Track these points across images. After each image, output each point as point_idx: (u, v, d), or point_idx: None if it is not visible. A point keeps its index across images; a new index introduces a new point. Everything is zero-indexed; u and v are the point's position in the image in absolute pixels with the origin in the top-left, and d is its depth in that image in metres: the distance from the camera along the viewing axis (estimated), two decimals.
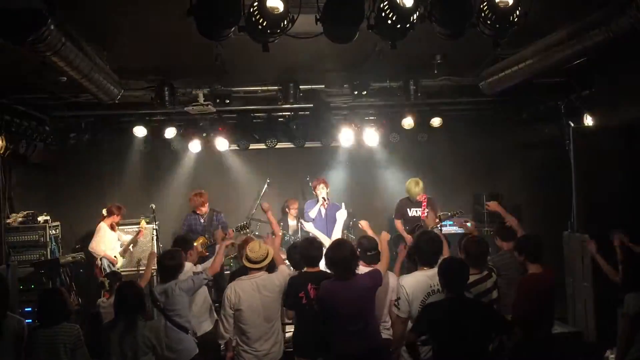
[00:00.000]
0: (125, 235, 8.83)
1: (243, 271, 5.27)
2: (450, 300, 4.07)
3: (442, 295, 4.47)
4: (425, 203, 8.32)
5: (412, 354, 4.22)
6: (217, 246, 6.10)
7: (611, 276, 5.33)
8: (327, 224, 8.35)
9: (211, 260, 5.73)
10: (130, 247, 8.61)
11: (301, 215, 9.13)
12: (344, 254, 4.59)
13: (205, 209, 8.50)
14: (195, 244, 6.64)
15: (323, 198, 8.59)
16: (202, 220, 8.43)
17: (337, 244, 4.78)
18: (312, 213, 8.68)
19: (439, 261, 4.49)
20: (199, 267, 5.81)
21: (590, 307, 6.78)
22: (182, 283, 5.14)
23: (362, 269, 4.87)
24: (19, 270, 7.32)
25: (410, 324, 4.50)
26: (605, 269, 5.50)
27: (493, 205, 6.46)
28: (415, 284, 4.52)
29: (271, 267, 5.17)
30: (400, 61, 6.56)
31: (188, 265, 5.65)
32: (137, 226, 8.78)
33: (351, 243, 4.78)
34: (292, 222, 9.53)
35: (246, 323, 4.94)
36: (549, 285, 5.07)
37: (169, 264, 5.15)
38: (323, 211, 8.64)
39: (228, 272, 8.30)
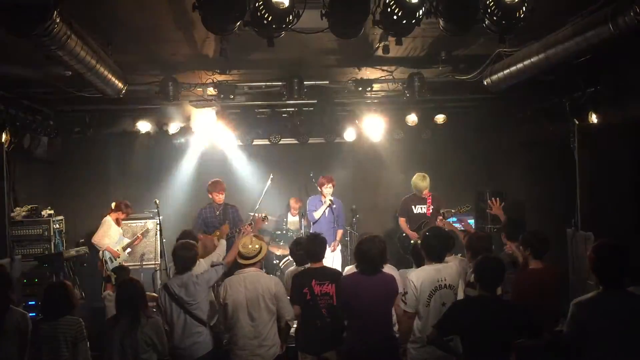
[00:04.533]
0: (129, 230, 8.87)
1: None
2: (483, 299, 4.08)
3: (451, 292, 4.52)
4: (430, 200, 8.32)
5: (440, 347, 4.20)
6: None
7: None
8: (333, 223, 8.36)
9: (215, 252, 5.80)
10: (127, 250, 8.64)
11: (291, 212, 9.12)
12: (371, 251, 4.61)
13: (220, 198, 8.40)
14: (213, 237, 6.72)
15: (330, 200, 8.48)
16: (217, 213, 8.39)
17: (369, 239, 4.77)
18: (317, 214, 8.58)
19: (477, 258, 4.46)
20: (202, 262, 5.79)
21: None
22: (205, 274, 5.15)
23: None
24: (23, 264, 7.34)
25: (417, 319, 4.52)
26: None
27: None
28: (423, 278, 4.53)
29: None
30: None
31: None
32: (143, 222, 8.82)
33: (383, 240, 4.78)
34: (293, 219, 9.55)
35: (230, 318, 4.95)
36: (552, 281, 5.05)
37: (186, 255, 5.13)
38: (328, 212, 8.56)
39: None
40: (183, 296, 4.98)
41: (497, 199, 6.84)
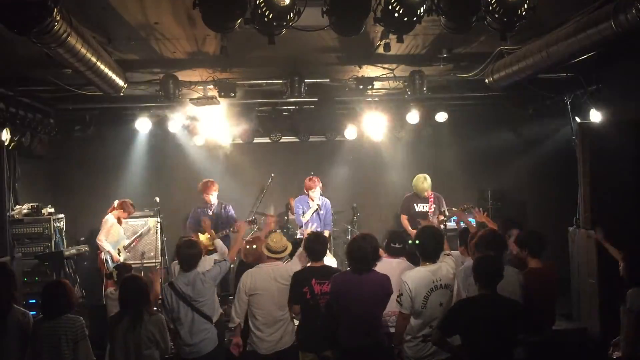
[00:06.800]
0: (130, 228, 8.86)
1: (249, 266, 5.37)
2: (484, 297, 4.10)
3: (447, 291, 4.51)
4: (432, 199, 8.30)
5: (445, 349, 4.22)
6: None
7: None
8: (320, 223, 8.27)
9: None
10: (131, 246, 8.62)
11: (291, 211, 8.96)
12: (362, 249, 4.59)
13: (212, 198, 8.45)
14: (201, 238, 6.65)
15: (318, 205, 8.28)
16: (210, 212, 8.39)
17: (360, 237, 4.76)
18: (305, 218, 8.29)
19: (476, 257, 4.45)
20: (206, 259, 5.78)
21: (595, 303, 6.76)
22: (212, 272, 5.20)
23: (386, 260, 5.12)
24: (23, 262, 7.33)
25: (410, 319, 4.51)
26: (612, 252, 5.42)
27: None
28: (418, 279, 4.49)
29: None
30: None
31: None
32: (144, 220, 8.83)
33: (375, 238, 4.76)
34: (292, 218, 9.52)
35: (261, 308, 5.06)
36: (551, 280, 5.06)
37: (191, 252, 5.14)
38: (315, 216, 8.33)
39: (232, 266, 8.31)
40: (190, 294, 5.01)
41: (480, 209, 6.80)
